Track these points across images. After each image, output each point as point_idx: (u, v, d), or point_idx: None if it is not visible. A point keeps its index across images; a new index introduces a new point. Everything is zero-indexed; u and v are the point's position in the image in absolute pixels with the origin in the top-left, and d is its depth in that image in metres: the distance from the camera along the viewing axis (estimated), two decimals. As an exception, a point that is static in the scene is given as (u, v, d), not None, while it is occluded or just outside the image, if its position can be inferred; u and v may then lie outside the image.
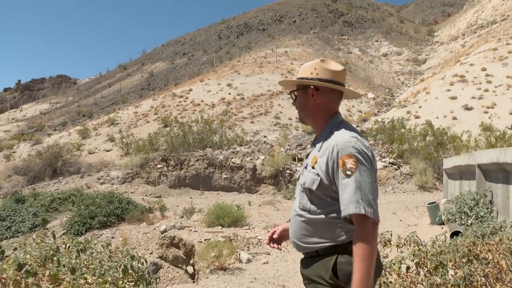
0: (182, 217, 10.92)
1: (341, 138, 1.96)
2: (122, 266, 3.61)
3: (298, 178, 2.22)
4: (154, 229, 10.01)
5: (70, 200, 13.77)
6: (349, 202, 1.84)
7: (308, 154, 2.18)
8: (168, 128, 26.03)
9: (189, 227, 9.01)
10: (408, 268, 3.83)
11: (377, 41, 55.96)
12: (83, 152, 25.63)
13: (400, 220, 9.45)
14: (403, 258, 3.84)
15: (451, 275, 3.79)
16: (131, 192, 17.39)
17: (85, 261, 2.95)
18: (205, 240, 7.48)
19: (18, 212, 13.36)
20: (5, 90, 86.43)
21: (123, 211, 11.52)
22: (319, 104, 2.11)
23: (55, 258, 2.68)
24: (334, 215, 1.98)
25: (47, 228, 12.07)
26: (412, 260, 3.80)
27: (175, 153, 19.96)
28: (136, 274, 3.86)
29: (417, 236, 4.20)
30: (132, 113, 35.48)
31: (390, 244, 4.18)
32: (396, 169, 15.39)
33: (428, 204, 9.26)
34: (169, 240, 8.30)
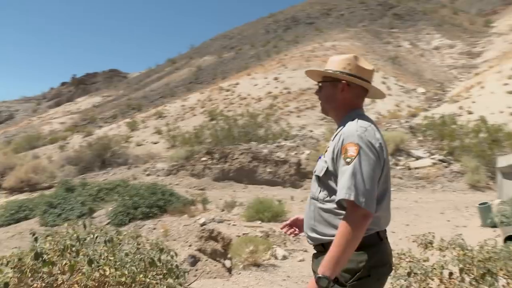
0: (223, 210, 10.92)
1: (349, 127, 1.97)
2: (149, 259, 3.55)
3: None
4: (195, 221, 10.03)
5: (116, 191, 14.06)
6: (341, 187, 1.83)
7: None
8: (214, 122, 26.25)
9: (228, 220, 8.97)
10: (451, 274, 3.56)
11: (429, 34, 53.98)
12: (131, 144, 26.25)
13: (448, 221, 9.00)
14: (445, 262, 3.56)
15: (502, 286, 3.48)
16: (176, 184, 17.61)
17: (106, 253, 2.89)
18: (243, 234, 7.39)
19: (67, 200, 13.80)
20: (62, 84, 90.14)
21: (166, 203, 11.63)
22: (347, 99, 2.12)
23: (74, 249, 2.63)
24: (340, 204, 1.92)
25: (93, 217, 12.41)
26: (456, 266, 3.53)
27: (219, 146, 20.06)
28: (165, 267, 3.80)
29: (462, 239, 3.89)
30: (179, 106, 36.02)
31: (432, 246, 3.90)
32: (446, 167, 14.75)
33: (479, 204, 8.76)
34: (208, 233, 8.29)
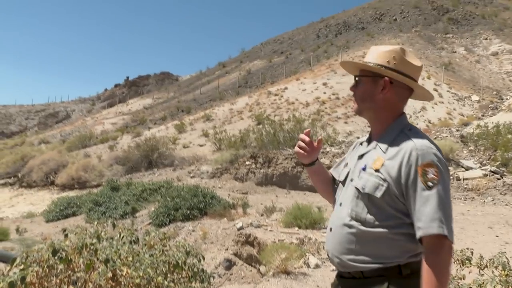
0: (262, 215, 10.85)
1: (420, 142, 1.69)
2: (174, 261, 3.55)
3: (345, 180, 1.91)
4: (234, 225, 10.03)
5: (160, 192, 14.33)
6: (431, 220, 1.59)
7: (363, 154, 1.86)
8: (260, 126, 26.28)
9: (266, 226, 8.90)
10: (489, 294, 3.32)
11: (486, 39, 51.76)
12: (177, 146, 26.68)
13: (496, 236, 8.50)
14: (483, 282, 3.33)
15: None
16: (219, 187, 17.72)
17: (126, 253, 2.90)
18: (278, 240, 7.30)
19: (112, 199, 14.22)
20: (116, 86, 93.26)
21: (206, 205, 11.71)
22: (388, 99, 1.82)
23: (92, 247, 2.66)
24: (396, 229, 1.69)
25: (135, 217, 12.69)
26: (495, 287, 3.29)
27: (264, 151, 20.03)
28: (191, 271, 3.78)
29: (507, 258, 3.63)
30: (227, 109, 36.34)
31: (470, 263, 3.65)
32: (498, 179, 14.01)
33: (531, 220, 8.25)
34: (244, 238, 8.25)
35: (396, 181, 1.67)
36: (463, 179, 13.99)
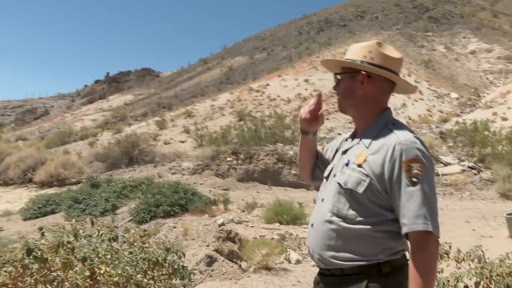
0: (243, 211, 10.85)
1: (404, 137, 1.66)
2: (154, 259, 3.51)
3: (328, 175, 1.87)
4: (215, 221, 10.01)
5: (140, 188, 14.20)
6: (416, 216, 1.57)
7: (347, 150, 1.83)
8: (241, 122, 26.25)
9: (247, 222, 8.91)
10: (466, 287, 3.37)
11: (465, 37, 52.59)
12: (158, 142, 26.50)
13: (473, 230, 8.68)
14: (460, 275, 3.38)
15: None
16: (200, 184, 17.65)
17: (104, 251, 2.85)
18: (259, 236, 7.30)
19: (92, 196, 14.02)
20: (96, 82, 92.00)
21: (187, 202, 11.65)
22: (368, 94, 1.79)
23: (69, 246, 2.60)
24: (378, 227, 1.65)
25: (116, 214, 12.56)
26: (471, 279, 3.34)
27: (245, 147, 20.02)
28: (171, 268, 3.75)
29: (482, 251, 3.69)
30: (209, 106, 36.22)
31: (448, 257, 3.70)
32: (476, 174, 14.29)
33: (507, 214, 8.41)
34: (225, 234, 8.25)
35: (379, 177, 1.65)
36: (442, 175, 14.21)
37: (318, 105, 1.99)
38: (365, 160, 1.69)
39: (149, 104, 50.45)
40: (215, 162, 19.75)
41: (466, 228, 8.85)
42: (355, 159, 1.73)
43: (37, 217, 14.46)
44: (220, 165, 19.44)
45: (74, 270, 2.48)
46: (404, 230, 1.60)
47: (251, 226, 8.36)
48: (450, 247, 3.77)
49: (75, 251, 2.57)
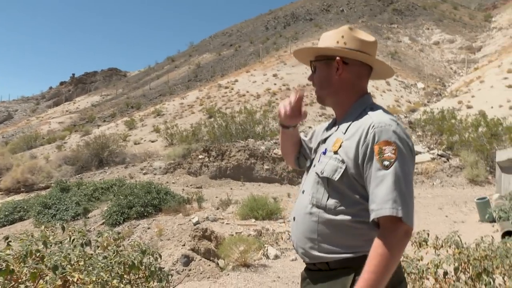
0: (218, 208, 10.76)
1: (378, 119, 1.57)
2: (130, 262, 3.39)
3: (309, 167, 1.80)
4: (190, 220, 9.88)
5: (112, 190, 13.92)
6: (384, 201, 1.45)
7: (325, 139, 1.76)
8: (211, 119, 26.08)
9: (222, 219, 8.82)
10: (445, 273, 3.39)
11: (428, 29, 53.71)
12: (128, 143, 26.05)
13: (446, 216, 8.84)
14: (439, 261, 3.39)
15: (499, 284, 3.31)
16: (173, 183, 17.46)
17: (77, 257, 2.71)
18: (236, 233, 7.23)
19: (62, 200, 13.65)
20: (61, 83, 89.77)
21: (161, 202, 11.48)
22: (345, 80, 1.71)
23: (38, 254, 2.45)
24: (358, 217, 1.56)
25: (88, 217, 12.26)
26: (451, 264, 3.35)
27: (216, 144, 19.88)
28: (147, 270, 3.64)
29: (459, 236, 3.72)
30: (178, 104, 35.83)
31: (427, 245, 3.71)
32: (445, 162, 14.58)
33: (477, 199, 8.59)
34: (201, 232, 8.12)
35: (354, 162, 1.56)
36: (413, 164, 14.46)
37: (299, 100, 1.88)
38: (340, 146, 1.62)
39: (117, 105, 49.56)
40: (186, 160, 19.56)
41: (439, 215, 9.00)
42: (332, 146, 1.66)
43: (4, 226, 13.99)
44: (192, 163, 19.26)
45: (45, 280, 2.34)
46: (372, 216, 1.48)
47: (227, 223, 8.27)
48: (428, 234, 3.78)
49: (45, 259, 2.43)
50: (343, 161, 1.59)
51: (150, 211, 11.08)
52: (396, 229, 1.44)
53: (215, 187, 17.16)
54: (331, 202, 1.60)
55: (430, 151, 15.35)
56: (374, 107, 1.68)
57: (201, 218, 9.26)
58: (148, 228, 10.14)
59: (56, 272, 2.32)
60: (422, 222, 7.87)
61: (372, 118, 1.59)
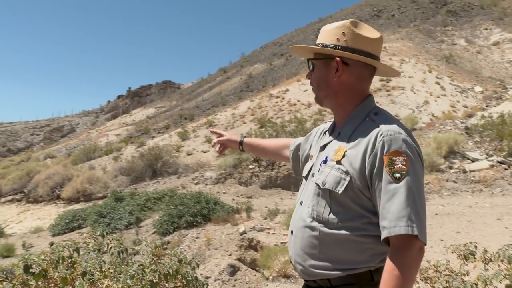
0: (265, 218, 10.71)
1: (387, 127, 1.45)
2: (165, 271, 3.43)
3: (307, 176, 1.70)
4: (237, 230, 9.91)
5: (163, 200, 14.22)
6: (397, 218, 1.35)
7: (325, 145, 1.64)
8: (262, 129, 26.15)
9: (268, 229, 8.76)
10: (495, 291, 3.16)
11: (486, 29, 51.42)
12: (181, 153, 26.60)
13: (506, 228, 8.30)
14: (488, 278, 3.16)
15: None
16: (224, 193, 17.61)
17: (109, 265, 2.77)
18: (281, 243, 7.15)
19: (116, 210, 14.13)
20: (118, 97, 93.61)
21: (210, 211, 11.58)
22: (345, 82, 1.58)
23: (70, 260, 2.53)
24: (363, 231, 1.46)
25: (140, 226, 12.58)
26: (500, 281, 3.12)
27: (267, 154, 19.91)
28: (184, 279, 3.67)
29: (513, 250, 3.46)
30: (230, 114, 36.28)
31: (474, 258, 3.48)
32: (506, 169, 13.79)
33: (540, 209, 8.04)
34: (247, 242, 8.13)
35: (360, 174, 1.45)
36: (470, 171, 13.77)
37: (220, 135, 2.36)
38: (344, 155, 1.51)
39: (171, 116, 50.88)
40: (237, 170, 19.71)
41: (498, 226, 8.48)
42: (334, 155, 1.55)
43: (64, 233, 14.71)
44: (243, 173, 19.39)
45: (74, 285, 2.41)
46: (384, 234, 1.38)
47: (273, 233, 8.22)
48: (476, 247, 3.55)
49: (75, 265, 2.51)
50: (347, 173, 1.48)
51: (199, 220, 11.20)
52: (410, 248, 1.35)
53: (265, 196, 17.14)
54: (334, 216, 1.50)
55: (488, 158, 14.59)
56: (379, 112, 1.57)
57: (248, 227, 9.25)
58: (197, 238, 10.24)
59: (84, 278, 2.38)
60: (477, 233, 7.45)
61: (379, 125, 1.48)
